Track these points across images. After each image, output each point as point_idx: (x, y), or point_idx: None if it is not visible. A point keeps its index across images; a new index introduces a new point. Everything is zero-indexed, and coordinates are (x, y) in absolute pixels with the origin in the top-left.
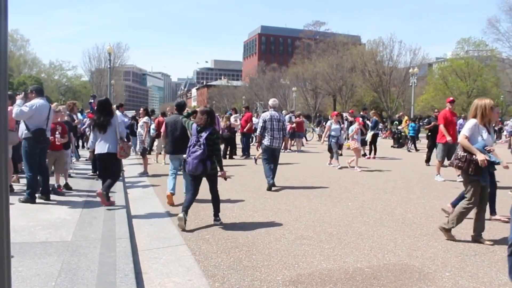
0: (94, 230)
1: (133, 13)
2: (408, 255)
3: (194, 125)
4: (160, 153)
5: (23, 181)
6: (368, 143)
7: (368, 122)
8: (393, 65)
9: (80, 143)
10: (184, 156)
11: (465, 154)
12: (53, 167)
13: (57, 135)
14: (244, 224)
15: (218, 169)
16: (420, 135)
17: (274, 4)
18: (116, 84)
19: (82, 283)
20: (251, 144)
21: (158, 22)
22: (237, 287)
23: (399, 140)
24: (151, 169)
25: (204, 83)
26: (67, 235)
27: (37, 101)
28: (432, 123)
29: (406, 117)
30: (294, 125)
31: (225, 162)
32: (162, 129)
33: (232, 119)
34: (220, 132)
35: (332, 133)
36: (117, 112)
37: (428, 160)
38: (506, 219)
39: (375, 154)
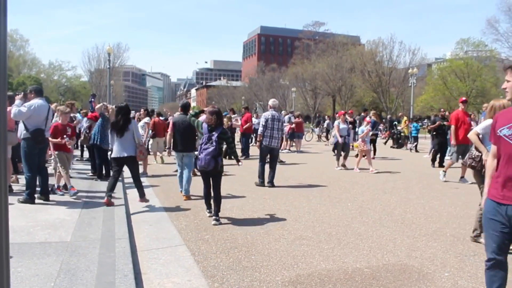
0: (93, 231)
1: (132, 13)
2: (407, 256)
3: (205, 125)
4: (156, 153)
5: (22, 181)
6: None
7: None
8: (392, 65)
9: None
10: (196, 153)
11: (480, 154)
12: (60, 168)
13: (66, 138)
14: (244, 224)
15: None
16: (419, 135)
17: (273, 5)
18: (115, 85)
19: (81, 284)
20: (250, 145)
21: (158, 22)
22: None
23: (399, 141)
24: (151, 169)
25: (204, 84)
26: (66, 236)
27: (36, 102)
28: (437, 123)
29: (405, 118)
30: (293, 125)
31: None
32: (170, 128)
33: (232, 119)
34: None
35: (340, 132)
36: None
37: (434, 160)
38: None
39: (374, 154)
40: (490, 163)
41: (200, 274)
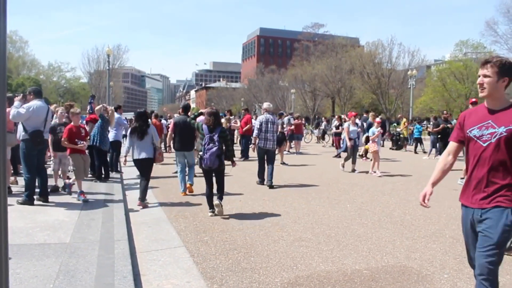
0: (92, 232)
1: (132, 14)
2: (407, 257)
3: (205, 126)
4: None
5: (22, 182)
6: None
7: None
8: (391, 67)
9: None
10: (200, 153)
11: None
12: (73, 172)
13: (80, 143)
14: (243, 226)
15: (230, 162)
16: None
17: (273, 6)
18: (115, 86)
19: (80, 285)
20: (250, 146)
21: (157, 23)
22: None
23: (398, 142)
24: None
25: (203, 85)
26: (65, 237)
27: (35, 103)
28: (441, 126)
29: (404, 119)
30: (293, 127)
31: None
32: (170, 129)
33: (231, 121)
34: None
35: (350, 135)
36: (116, 114)
37: None
38: None
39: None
40: (443, 157)
41: (199, 276)
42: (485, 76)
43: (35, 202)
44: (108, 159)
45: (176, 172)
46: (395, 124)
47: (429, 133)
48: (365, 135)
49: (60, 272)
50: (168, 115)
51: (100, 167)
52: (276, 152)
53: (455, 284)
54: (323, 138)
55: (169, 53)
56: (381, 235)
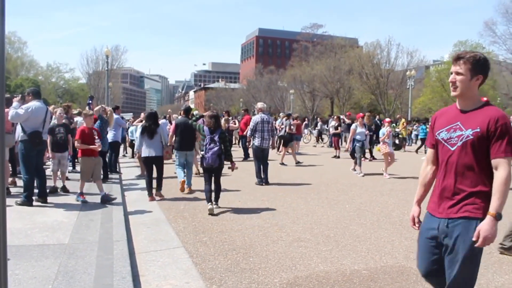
0: (91, 233)
1: (131, 15)
2: (405, 257)
3: (206, 128)
4: None
5: (20, 183)
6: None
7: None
8: (390, 67)
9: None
10: (202, 152)
11: None
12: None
13: (97, 141)
14: (242, 226)
15: (228, 162)
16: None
17: (271, 7)
18: (113, 87)
19: (79, 286)
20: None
21: (156, 24)
22: None
23: (396, 142)
24: None
25: (202, 86)
26: (64, 238)
27: (33, 104)
28: None
29: (403, 120)
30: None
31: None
32: (171, 130)
33: (230, 122)
34: None
35: (357, 137)
36: (114, 115)
37: None
38: None
39: (371, 156)
40: (423, 169)
41: (198, 276)
42: (457, 73)
43: (34, 203)
44: (107, 159)
45: (175, 173)
46: (394, 124)
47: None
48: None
49: (59, 273)
50: (168, 116)
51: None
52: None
53: None
54: (320, 139)
55: (168, 53)
56: (380, 235)
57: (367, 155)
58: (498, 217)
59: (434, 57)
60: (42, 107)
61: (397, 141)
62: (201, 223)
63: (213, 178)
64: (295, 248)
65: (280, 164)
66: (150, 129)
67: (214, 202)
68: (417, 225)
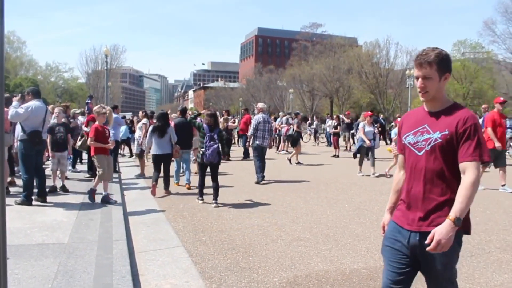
0: (90, 232)
1: (130, 15)
2: None
3: (205, 126)
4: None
5: (19, 183)
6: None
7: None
8: (389, 67)
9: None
10: (202, 149)
11: None
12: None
13: (112, 138)
14: (241, 225)
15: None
16: None
17: (271, 6)
18: (113, 86)
19: (79, 285)
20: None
21: (155, 24)
22: None
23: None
24: (148, 170)
25: (201, 85)
26: (64, 237)
27: (33, 103)
28: None
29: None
30: (291, 126)
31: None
32: None
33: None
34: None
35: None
36: (113, 114)
37: None
38: None
39: None
40: (395, 175)
41: (197, 276)
42: (425, 78)
43: (33, 202)
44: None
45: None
46: (393, 124)
47: None
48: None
49: (58, 272)
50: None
51: None
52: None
53: None
54: (315, 138)
55: (167, 53)
56: (379, 234)
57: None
58: (457, 222)
59: None
60: (42, 106)
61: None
62: (201, 222)
63: (211, 175)
64: (295, 247)
65: (296, 163)
66: (161, 129)
67: (213, 200)
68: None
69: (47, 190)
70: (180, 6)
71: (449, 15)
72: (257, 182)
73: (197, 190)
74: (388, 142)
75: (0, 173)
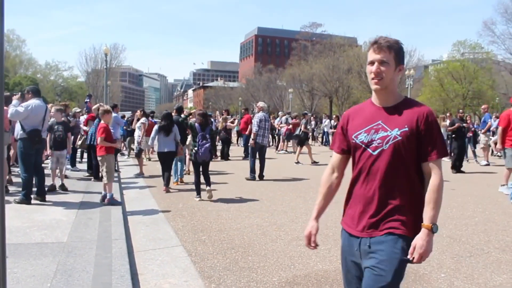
0: (89, 231)
1: (129, 14)
2: None
3: (197, 125)
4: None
5: (16, 181)
6: None
7: None
8: None
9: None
10: (195, 148)
11: None
12: (104, 174)
13: (121, 136)
14: (240, 225)
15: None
16: None
17: (271, 6)
18: (112, 85)
19: (78, 284)
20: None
21: (155, 23)
22: None
23: None
24: (147, 170)
25: (201, 84)
26: (63, 236)
27: (33, 102)
28: (457, 125)
29: None
30: (290, 126)
31: (221, 163)
32: None
33: (229, 122)
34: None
35: None
36: (113, 113)
37: (454, 167)
38: None
39: None
40: (326, 176)
41: (197, 275)
42: (381, 62)
43: (32, 201)
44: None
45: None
46: None
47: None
48: None
49: (57, 271)
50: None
51: (98, 166)
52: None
53: (452, 284)
54: (313, 139)
55: (166, 52)
56: None
57: None
58: (434, 229)
59: (433, 56)
60: (42, 105)
61: None
62: (200, 222)
63: (202, 171)
64: (294, 247)
65: (295, 163)
66: (167, 127)
67: (207, 187)
68: (313, 244)
69: (46, 189)
70: (180, 6)
71: (449, 15)
72: (248, 178)
73: (189, 187)
74: None
75: (0, 172)
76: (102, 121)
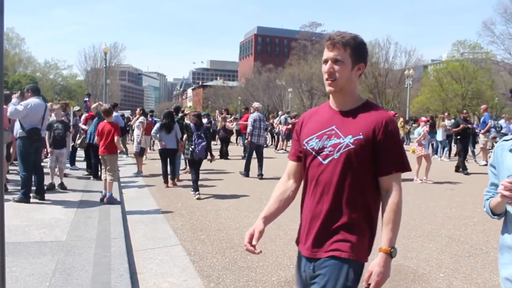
0: (89, 230)
1: (129, 14)
2: (403, 256)
3: (192, 125)
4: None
5: (12, 179)
6: None
7: None
8: (388, 66)
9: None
10: (192, 147)
11: None
12: (108, 174)
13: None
14: (239, 224)
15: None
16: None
17: (270, 6)
18: (111, 84)
19: (77, 283)
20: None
21: (155, 22)
22: None
23: None
24: (146, 169)
25: (200, 84)
26: (62, 235)
27: (32, 100)
28: (462, 126)
29: (401, 119)
30: (289, 126)
31: (220, 162)
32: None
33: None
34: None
35: None
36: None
37: (459, 167)
38: None
39: None
40: (282, 182)
41: (196, 274)
42: (335, 61)
43: (31, 200)
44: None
45: (184, 169)
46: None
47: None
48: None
49: (56, 270)
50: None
51: (97, 165)
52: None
53: (451, 283)
54: None
55: (166, 52)
56: (377, 234)
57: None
58: (393, 253)
59: (433, 56)
60: (41, 104)
61: None
62: (199, 221)
63: (195, 169)
64: (293, 247)
65: None
66: (168, 125)
67: (196, 192)
68: (251, 247)
69: (45, 187)
70: (180, 5)
71: (448, 15)
72: (241, 173)
73: (188, 186)
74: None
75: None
76: (105, 120)
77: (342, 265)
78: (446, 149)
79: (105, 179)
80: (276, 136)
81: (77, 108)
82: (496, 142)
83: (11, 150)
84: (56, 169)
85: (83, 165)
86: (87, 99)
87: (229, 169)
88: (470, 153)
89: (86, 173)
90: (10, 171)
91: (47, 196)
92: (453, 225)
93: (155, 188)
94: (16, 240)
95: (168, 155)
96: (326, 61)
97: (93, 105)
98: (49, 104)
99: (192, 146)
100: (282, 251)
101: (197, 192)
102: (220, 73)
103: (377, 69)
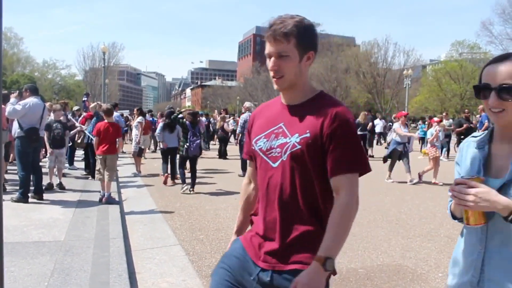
0: (87, 230)
1: (128, 14)
2: (402, 256)
3: (188, 123)
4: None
5: (11, 179)
6: None
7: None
8: (387, 66)
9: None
10: (187, 144)
11: None
12: (106, 175)
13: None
14: None
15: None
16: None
17: (269, 5)
18: (110, 83)
19: (75, 283)
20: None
21: (154, 22)
22: None
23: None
24: (144, 168)
25: (199, 83)
26: (60, 235)
27: (31, 100)
28: (465, 126)
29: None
30: None
31: (219, 162)
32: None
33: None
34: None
35: (398, 138)
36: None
37: None
38: None
39: (367, 155)
40: (244, 188)
41: (194, 274)
42: (279, 56)
43: (30, 199)
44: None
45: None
46: (390, 123)
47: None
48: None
49: (55, 270)
50: (159, 113)
51: (95, 164)
52: None
53: None
54: None
55: (165, 51)
56: (376, 234)
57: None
58: (328, 265)
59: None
60: (40, 103)
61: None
62: (198, 221)
63: (190, 166)
64: None
65: None
66: (171, 125)
67: (190, 187)
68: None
69: (43, 187)
70: (179, 5)
71: (448, 15)
72: (240, 176)
73: (182, 186)
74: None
75: None
76: (106, 120)
77: None
78: (444, 149)
79: (102, 179)
80: None
81: (76, 108)
82: None
83: (10, 150)
84: (55, 169)
85: (82, 165)
86: (85, 98)
87: (228, 169)
88: None
89: (85, 173)
90: (9, 171)
91: (46, 196)
92: (452, 225)
93: (153, 188)
94: (14, 240)
95: (170, 154)
96: (269, 57)
97: (92, 105)
98: (48, 104)
99: (187, 144)
100: None
101: (184, 185)
102: (219, 73)
103: (375, 69)
